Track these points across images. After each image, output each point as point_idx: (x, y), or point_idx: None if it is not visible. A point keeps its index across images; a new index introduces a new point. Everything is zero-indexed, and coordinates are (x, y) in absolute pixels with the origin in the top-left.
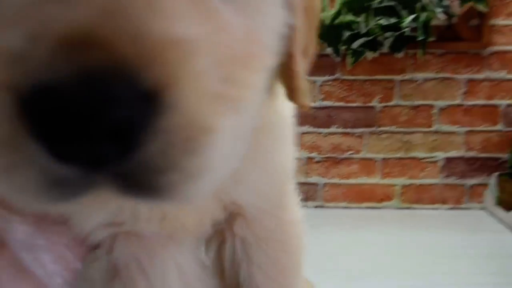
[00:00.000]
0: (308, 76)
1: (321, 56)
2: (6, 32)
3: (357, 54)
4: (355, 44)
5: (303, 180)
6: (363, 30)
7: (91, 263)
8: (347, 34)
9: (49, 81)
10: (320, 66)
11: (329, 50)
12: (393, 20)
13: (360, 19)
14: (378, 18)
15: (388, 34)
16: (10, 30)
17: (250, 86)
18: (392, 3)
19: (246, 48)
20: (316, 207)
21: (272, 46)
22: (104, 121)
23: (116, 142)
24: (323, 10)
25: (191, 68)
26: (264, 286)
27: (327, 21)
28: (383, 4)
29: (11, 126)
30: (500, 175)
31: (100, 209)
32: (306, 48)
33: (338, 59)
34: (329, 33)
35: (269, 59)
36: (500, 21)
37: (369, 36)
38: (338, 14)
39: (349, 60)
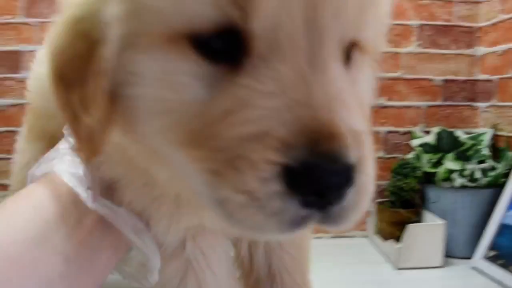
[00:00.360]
0: None
1: None
2: (276, 127)
3: None
4: None
5: None
6: None
7: (168, 261)
8: None
9: (313, 161)
10: None
11: None
12: None
13: None
14: None
15: None
16: (277, 125)
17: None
18: None
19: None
20: None
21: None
22: (342, 183)
23: (340, 194)
24: None
25: (366, 149)
26: (291, 264)
27: None
28: None
29: (276, 186)
30: (379, 203)
31: (186, 216)
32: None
33: None
34: None
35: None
36: None
37: None
38: None
39: None
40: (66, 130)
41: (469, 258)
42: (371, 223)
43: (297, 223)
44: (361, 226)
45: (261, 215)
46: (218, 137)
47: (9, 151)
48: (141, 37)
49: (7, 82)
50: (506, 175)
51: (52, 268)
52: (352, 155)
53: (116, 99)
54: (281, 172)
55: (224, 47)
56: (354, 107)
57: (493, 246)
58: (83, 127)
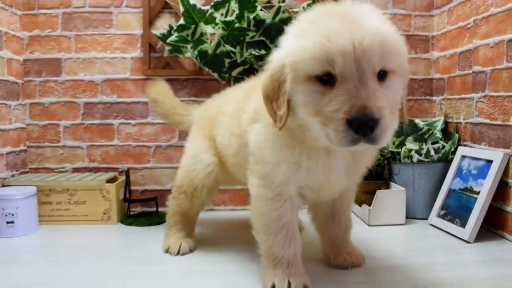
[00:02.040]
0: (199, 97)
1: (210, 80)
2: (344, 106)
3: (237, 79)
4: (235, 72)
5: None
6: (239, 59)
7: (284, 203)
8: (227, 62)
9: (361, 117)
10: (209, 88)
11: (216, 75)
12: (263, 52)
13: (237, 50)
14: (251, 49)
15: (260, 63)
16: (345, 105)
17: (396, 113)
18: (262, 38)
19: (394, 105)
20: (207, 210)
21: (399, 102)
22: (371, 125)
23: (371, 129)
24: (205, 42)
25: (384, 112)
26: (344, 206)
27: (210, 51)
28: (255, 39)
29: (344, 126)
30: None
31: (306, 180)
32: (405, 103)
33: (223, 82)
34: (213, 61)
35: (398, 105)
36: None
37: (246, 65)
38: (218, 45)
39: (233, 84)
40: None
41: (426, 218)
42: None
43: (354, 141)
44: None
45: (340, 138)
46: (325, 111)
47: (51, 140)
48: (297, 78)
49: (49, 84)
50: (453, 152)
51: None
52: (375, 114)
53: (289, 103)
54: (345, 121)
55: (327, 79)
56: (381, 99)
57: (443, 207)
58: (277, 116)
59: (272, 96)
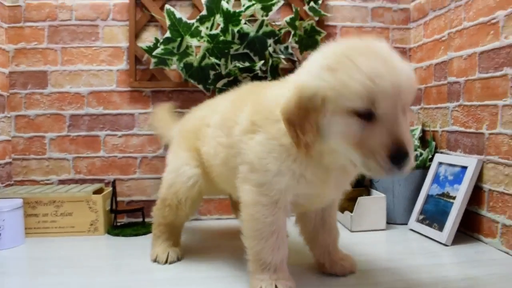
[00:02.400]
0: (184, 108)
1: (195, 91)
2: (386, 141)
3: (221, 91)
4: (219, 84)
5: None
6: (224, 71)
7: (278, 210)
8: (212, 74)
9: (401, 153)
10: (194, 100)
11: (201, 87)
12: (247, 64)
13: (221, 62)
14: (235, 62)
15: (244, 75)
16: (386, 140)
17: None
18: (246, 51)
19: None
20: (193, 219)
21: None
22: (407, 159)
23: (406, 162)
24: (191, 55)
25: (412, 150)
26: (332, 214)
27: (195, 63)
28: (239, 51)
29: (386, 160)
30: None
31: (304, 190)
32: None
33: (208, 94)
34: (198, 73)
35: None
36: None
37: (230, 77)
38: (203, 57)
39: (217, 95)
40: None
41: (406, 224)
42: None
43: (392, 171)
44: None
45: (381, 169)
46: (367, 144)
47: (36, 152)
48: (336, 111)
49: (35, 96)
50: (431, 159)
51: None
52: (410, 149)
53: (318, 130)
54: (387, 156)
55: (368, 116)
56: (408, 133)
57: (422, 212)
58: (300, 140)
59: (297, 121)
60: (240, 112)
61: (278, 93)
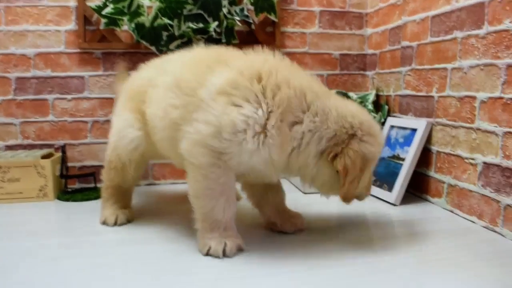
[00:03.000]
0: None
1: (148, 53)
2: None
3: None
4: (172, 45)
5: None
6: (177, 32)
7: (231, 172)
8: (165, 35)
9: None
10: (147, 62)
11: (154, 49)
12: (201, 25)
13: (174, 23)
14: (188, 23)
15: (199, 36)
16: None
17: None
18: (200, 11)
19: None
20: (147, 184)
21: None
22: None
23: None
24: (142, 15)
25: None
26: (278, 184)
27: (147, 24)
28: (192, 12)
29: None
30: None
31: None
32: None
33: (161, 56)
34: (151, 34)
35: None
36: (288, 28)
37: (184, 38)
38: (155, 18)
39: None
40: None
41: None
42: None
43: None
44: None
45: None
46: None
47: None
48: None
49: None
50: (383, 123)
51: None
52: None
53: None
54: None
55: None
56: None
57: (373, 173)
58: (351, 192)
59: (354, 175)
60: (209, 75)
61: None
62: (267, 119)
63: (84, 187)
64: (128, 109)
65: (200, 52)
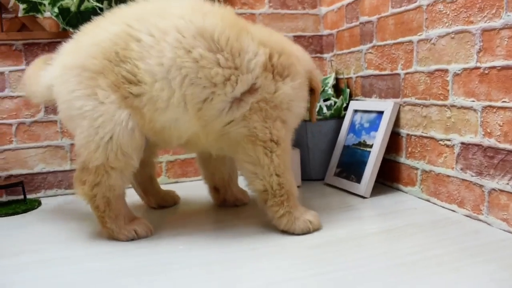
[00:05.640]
0: None
1: None
2: None
3: None
4: None
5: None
6: None
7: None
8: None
9: None
10: None
11: None
12: None
13: (104, 5)
14: (121, 4)
15: None
16: None
17: None
18: None
19: None
20: None
21: None
22: None
23: None
24: None
25: None
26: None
27: (73, 8)
28: None
29: None
30: None
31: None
32: None
33: None
34: (78, 19)
35: None
36: (236, 9)
37: None
38: (82, 1)
39: None
40: None
41: (323, 179)
42: None
43: None
44: None
45: None
46: None
47: None
48: None
49: None
50: (346, 108)
51: None
52: None
53: None
54: None
55: None
56: None
57: (339, 164)
58: None
59: None
60: (246, 35)
61: None
62: None
63: (12, 200)
64: (104, 84)
65: None
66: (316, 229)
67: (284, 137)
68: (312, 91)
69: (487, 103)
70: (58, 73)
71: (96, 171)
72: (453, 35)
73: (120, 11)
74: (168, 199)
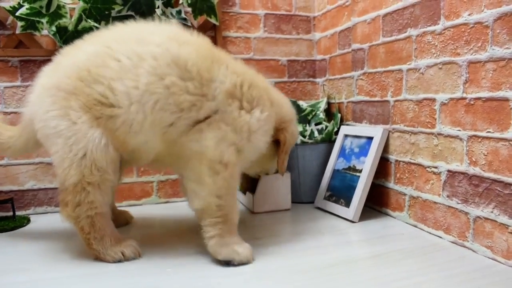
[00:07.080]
0: None
1: None
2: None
3: None
4: None
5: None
6: None
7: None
8: None
9: None
10: None
11: None
12: None
13: (102, 25)
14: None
15: None
16: None
17: None
18: (130, 13)
19: None
20: None
21: None
22: None
23: None
24: (64, 16)
25: None
26: None
27: (71, 27)
28: (122, 13)
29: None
30: None
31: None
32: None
33: None
34: (75, 38)
35: None
36: (231, 33)
37: None
38: (79, 20)
39: None
40: None
41: (313, 202)
42: None
43: None
44: None
45: None
46: None
47: None
48: None
49: None
50: (336, 133)
51: None
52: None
53: None
54: None
55: None
56: None
57: (329, 188)
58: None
59: None
60: (220, 66)
61: None
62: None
63: (1, 216)
64: (76, 105)
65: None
66: (244, 262)
67: (234, 162)
68: (278, 142)
69: (473, 132)
70: (36, 93)
71: (74, 189)
72: (440, 66)
73: (100, 33)
74: (120, 219)
